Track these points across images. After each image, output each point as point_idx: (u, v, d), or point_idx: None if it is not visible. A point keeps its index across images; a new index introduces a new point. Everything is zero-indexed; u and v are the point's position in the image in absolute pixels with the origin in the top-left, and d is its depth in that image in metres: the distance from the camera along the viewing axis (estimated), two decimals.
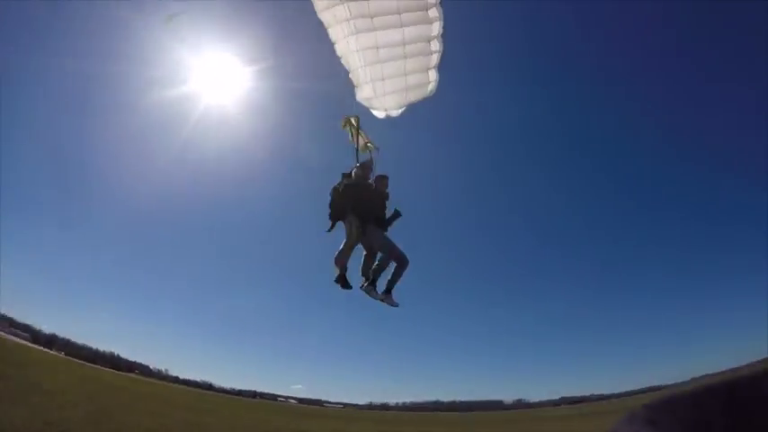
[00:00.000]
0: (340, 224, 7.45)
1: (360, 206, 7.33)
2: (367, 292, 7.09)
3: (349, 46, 7.85)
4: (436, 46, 8.22)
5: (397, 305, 7.14)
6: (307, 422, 34.36)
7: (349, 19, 7.56)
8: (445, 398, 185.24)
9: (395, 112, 8.91)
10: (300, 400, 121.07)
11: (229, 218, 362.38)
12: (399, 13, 7.60)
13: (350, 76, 8.37)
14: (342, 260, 7.24)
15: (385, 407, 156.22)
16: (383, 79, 8.42)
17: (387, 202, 7.75)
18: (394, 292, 7.11)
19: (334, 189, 7.69)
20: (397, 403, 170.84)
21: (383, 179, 8.01)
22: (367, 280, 7.14)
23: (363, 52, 7.93)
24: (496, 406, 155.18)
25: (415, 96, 8.87)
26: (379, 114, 8.90)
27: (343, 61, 8.16)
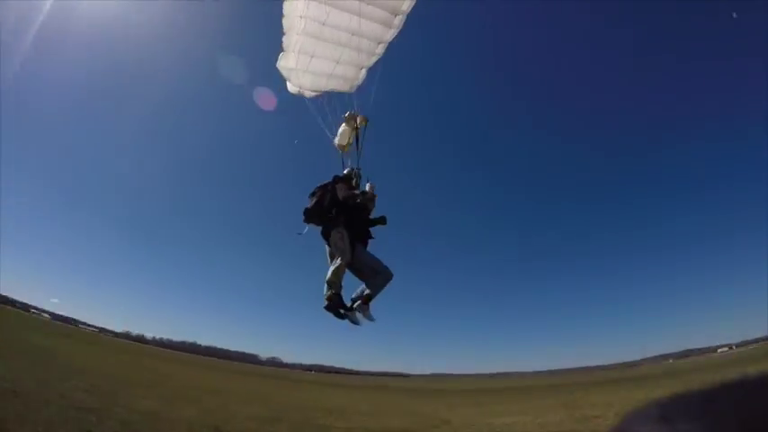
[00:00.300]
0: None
1: (355, 222, 6.71)
2: (362, 312, 6.47)
3: (297, 8, 7.40)
4: (381, 50, 8.19)
5: (374, 320, 6.55)
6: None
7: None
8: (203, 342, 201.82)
9: (308, 93, 8.62)
10: (54, 316, 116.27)
11: None
12: (367, 3, 7.39)
13: (283, 38, 7.94)
14: (338, 281, 6.44)
15: (141, 339, 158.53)
16: (312, 56, 8.11)
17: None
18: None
19: (325, 190, 6.87)
20: (153, 337, 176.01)
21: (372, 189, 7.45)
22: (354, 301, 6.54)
23: (307, 20, 7.52)
24: (251, 359, 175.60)
25: (336, 86, 8.63)
26: (292, 89, 8.66)
27: (284, 20, 7.71)
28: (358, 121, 7.98)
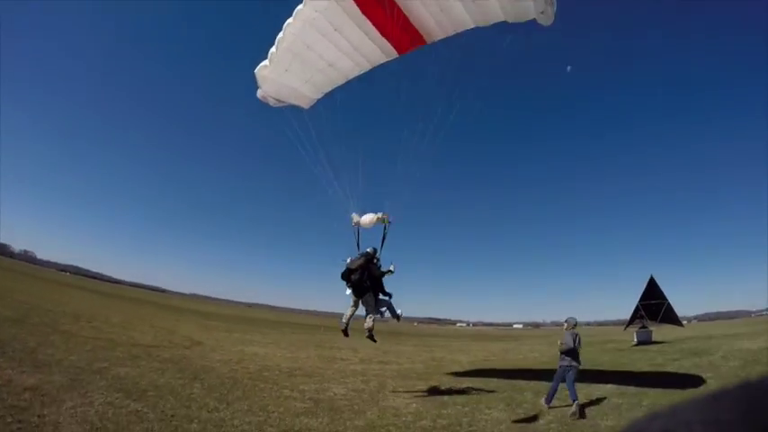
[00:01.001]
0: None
1: (377, 288, 11.25)
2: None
3: (295, 27, 8.82)
4: (343, 82, 10.15)
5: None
6: None
7: (320, 11, 8.52)
8: None
9: (271, 101, 10.32)
10: None
11: None
12: (354, 49, 9.36)
13: (273, 47, 9.29)
14: (348, 321, 11.64)
15: None
16: (286, 70, 9.54)
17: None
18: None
19: (363, 269, 10.80)
20: None
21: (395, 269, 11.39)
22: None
23: (295, 38, 8.95)
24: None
25: (294, 101, 10.38)
26: (259, 93, 10.24)
27: (279, 34, 9.07)
28: (383, 218, 11.10)
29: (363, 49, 9.38)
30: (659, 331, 40.28)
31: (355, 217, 11.22)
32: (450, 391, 12.90)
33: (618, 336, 49.99)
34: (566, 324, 11.69)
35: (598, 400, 11.49)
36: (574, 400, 10.11)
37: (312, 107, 10.66)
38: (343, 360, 20.54)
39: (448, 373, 17.02)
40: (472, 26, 8.68)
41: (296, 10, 8.65)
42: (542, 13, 7.67)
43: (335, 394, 11.59)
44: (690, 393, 11.99)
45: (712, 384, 13.36)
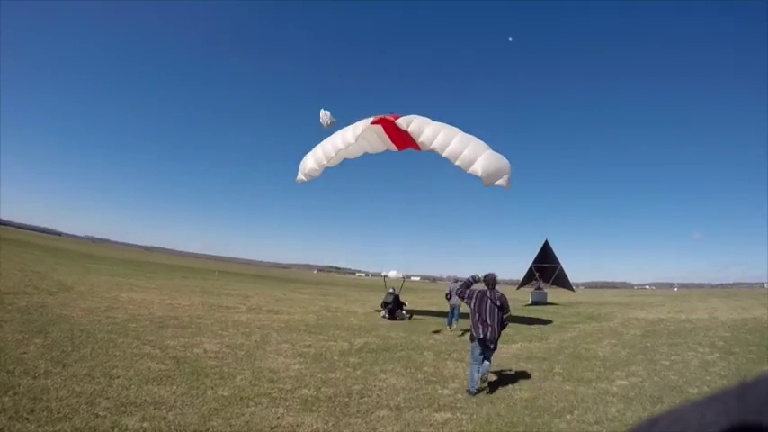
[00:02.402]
0: None
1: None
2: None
3: (338, 144, 16.19)
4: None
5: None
6: None
7: (359, 137, 15.96)
8: None
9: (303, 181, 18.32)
10: None
11: None
12: (371, 146, 17.88)
13: (317, 145, 17.34)
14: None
15: None
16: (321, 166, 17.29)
17: None
18: None
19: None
20: None
21: None
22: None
23: (339, 152, 16.44)
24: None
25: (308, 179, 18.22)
26: (298, 179, 18.32)
27: (327, 141, 16.90)
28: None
29: (377, 147, 17.68)
30: (552, 293, 42.01)
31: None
32: (341, 350, 10.92)
33: (511, 294, 52.06)
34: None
35: (507, 366, 10.11)
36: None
37: None
38: (228, 308, 18.14)
39: (342, 328, 15.11)
40: (455, 164, 14.50)
41: (343, 134, 16.17)
42: (506, 185, 14.52)
43: (205, 351, 9.54)
44: (599, 363, 11.26)
45: (620, 352, 12.70)
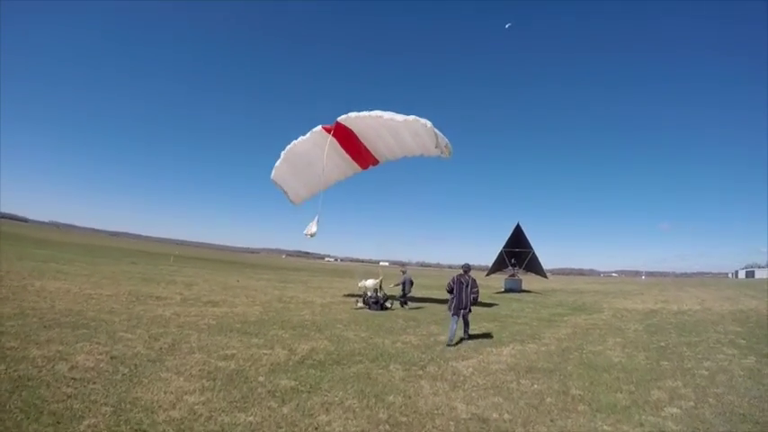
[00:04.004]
0: None
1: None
2: None
3: (299, 147, 18.56)
4: (323, 189, 19.11)
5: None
6: None
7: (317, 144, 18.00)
8: None
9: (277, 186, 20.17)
10: None
11: None
12: (335, 166, 19.04)
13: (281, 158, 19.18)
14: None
15: None
16: (287, 174, 19.67)
17: None
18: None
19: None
20: None
21: None
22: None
23: (296, 156, 19.00)
24: None
25: (291, 193, 20.28)
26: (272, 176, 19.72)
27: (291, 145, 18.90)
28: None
29: (340, 167, 19.06)
30: (524, 280, 40.03)
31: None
32: (273, 364, 7.83)
33: (480, 281, 49.98)
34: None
35: (505, 387, 7.27)
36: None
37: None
38: (158, 299, 15.01)
39: (288, 325, 12.01)
40: (402, 156, 18.03)
41: (301, 139, 18.30)
42: (441, 154, 16.55)
43: (72, 368, 6.56)
44: (623, 376, 8.59)
45: (637, 357, 10.11)
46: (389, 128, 16.66)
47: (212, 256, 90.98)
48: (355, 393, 6.34)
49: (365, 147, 17.93)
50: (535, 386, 7.26)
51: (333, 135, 17.40)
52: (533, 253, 36.33)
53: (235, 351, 8.41)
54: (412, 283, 19.11)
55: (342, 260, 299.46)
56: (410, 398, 6.31)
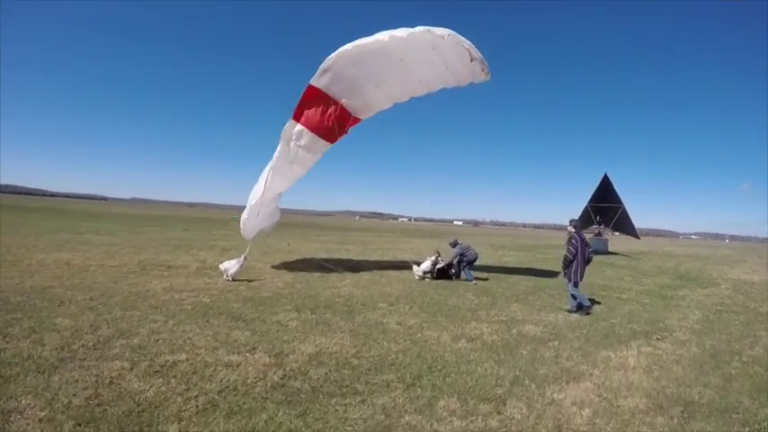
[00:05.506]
0: None
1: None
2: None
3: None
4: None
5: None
6: None
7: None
8: None
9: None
10: None
11: None
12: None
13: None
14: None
15: None
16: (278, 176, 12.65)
17: None
18: None
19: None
20: None
21: None
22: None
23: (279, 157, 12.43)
24: None
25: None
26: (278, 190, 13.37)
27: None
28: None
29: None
30: (613, 241, 34.65)
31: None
32: (232, 389, 4.58)
33: (562, 241, 44.71)
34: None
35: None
36: None
37: None
38: (168, 269, 13.13)
39: (309, 305, 8.84)
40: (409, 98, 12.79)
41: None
42: (479, 74, 11.38)
43: None
44: None
45: None
46: (388, 58, 10.95)
47: (282, 220, 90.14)
48: None
49: (342, 105, 11.88)
50: None
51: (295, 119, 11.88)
52: (624, 209, 30.89)
53: (185, 356, 5.29)
54: (475, 258, 13.70)
55: (415, 220, 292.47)
56: None
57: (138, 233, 26.14)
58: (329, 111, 11.70)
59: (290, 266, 14.51)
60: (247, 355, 5.53)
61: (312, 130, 11.76)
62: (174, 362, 5.07)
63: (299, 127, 11.73)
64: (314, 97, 11.59)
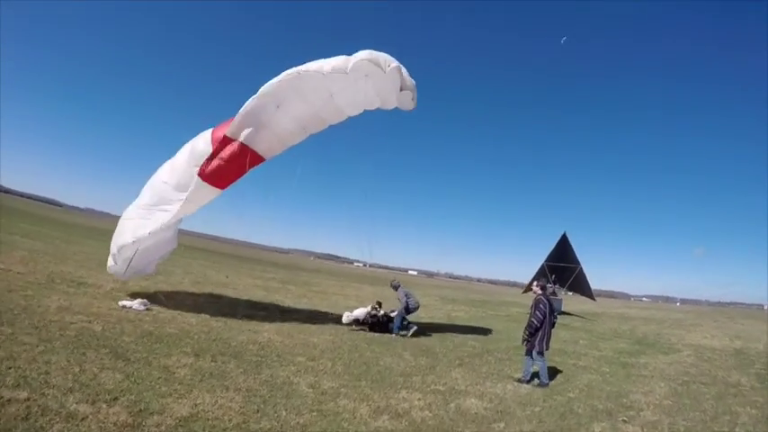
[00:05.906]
0: None
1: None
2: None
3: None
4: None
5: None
6: None
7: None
8: None
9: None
10: None
11: None
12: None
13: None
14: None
15: None
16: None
17: None
18: None
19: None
20: None
21: None
22: None
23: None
24: None
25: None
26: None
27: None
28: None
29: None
30: (567, 302, 34.03)
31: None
32: None
33: (516, 298, 43.90)
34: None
35: None
36: None
37: None
38: (79, 286, 11.64)
39: (212, 351, 7.28)
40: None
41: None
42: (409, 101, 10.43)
43: None
44: None
45: None
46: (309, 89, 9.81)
47: (226, 251, 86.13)
48: None
49: (250, 148, 10.20)
50: None
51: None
52: (581, 269, 30.41)
53: (26, 395, 4.30)
54: (416, 308, 12.62)
55: (371, 266, 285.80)
56: None
57: (72, 243, 23.90)
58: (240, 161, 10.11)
59: (214, 301, 12.72)
60: (102, 406, 4.13)
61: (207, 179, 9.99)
62: (8, 400, 3.77)
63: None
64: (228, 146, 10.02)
